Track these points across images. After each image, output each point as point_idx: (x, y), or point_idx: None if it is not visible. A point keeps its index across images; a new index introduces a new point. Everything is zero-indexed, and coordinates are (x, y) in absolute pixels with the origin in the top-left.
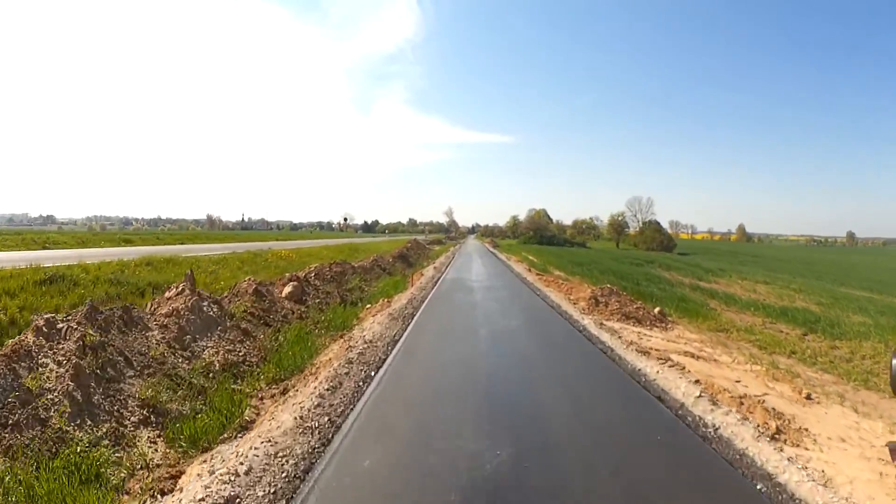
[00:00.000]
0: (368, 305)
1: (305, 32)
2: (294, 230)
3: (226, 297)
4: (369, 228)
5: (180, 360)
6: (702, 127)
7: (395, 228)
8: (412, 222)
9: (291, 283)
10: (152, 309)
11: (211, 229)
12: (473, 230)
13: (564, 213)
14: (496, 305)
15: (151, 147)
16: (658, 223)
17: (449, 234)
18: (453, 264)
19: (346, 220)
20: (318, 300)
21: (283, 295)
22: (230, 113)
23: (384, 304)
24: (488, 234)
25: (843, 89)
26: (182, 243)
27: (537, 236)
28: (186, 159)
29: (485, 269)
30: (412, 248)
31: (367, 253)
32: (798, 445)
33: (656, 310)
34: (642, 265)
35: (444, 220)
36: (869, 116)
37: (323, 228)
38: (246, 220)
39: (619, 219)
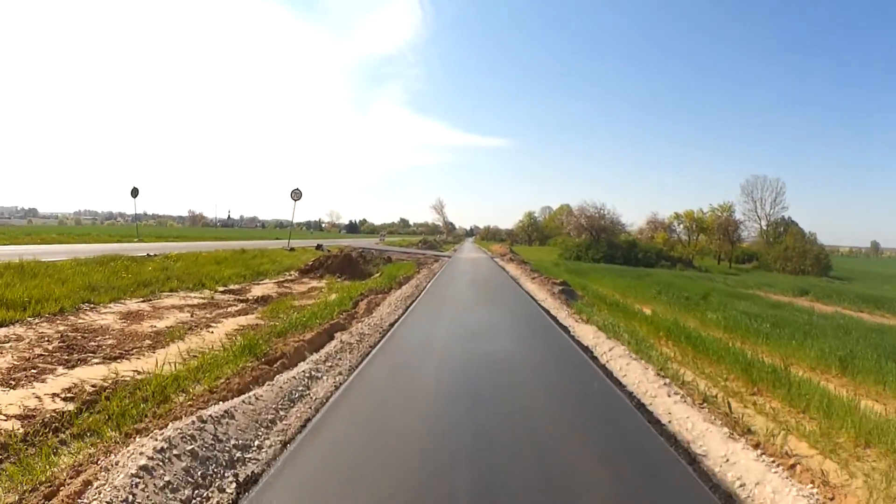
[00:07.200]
0: None
1: (304, 32)
2: (281, 228)
3: None
4: (353, 228)
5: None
6: (707, 133)
7: (388, 230)
8: (403, 222)
9: None
10: None
11: (193, 226)
12: (472, 232)
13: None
14: None
15: (142, 143)
16: (797, 224)
17: (436, 237)
18: None
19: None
20: None
21: None
22: (223, 110)
23: None
24: (490, 237)
25: (853, 91)
26: None
27: (602, 247)
28: (177, 156)
29: None
30: None
31: None
32: None
33: None
34: None
35: (436, 218)
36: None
37: (311, 228)
38: (237, 217)
39: (727, 216)
